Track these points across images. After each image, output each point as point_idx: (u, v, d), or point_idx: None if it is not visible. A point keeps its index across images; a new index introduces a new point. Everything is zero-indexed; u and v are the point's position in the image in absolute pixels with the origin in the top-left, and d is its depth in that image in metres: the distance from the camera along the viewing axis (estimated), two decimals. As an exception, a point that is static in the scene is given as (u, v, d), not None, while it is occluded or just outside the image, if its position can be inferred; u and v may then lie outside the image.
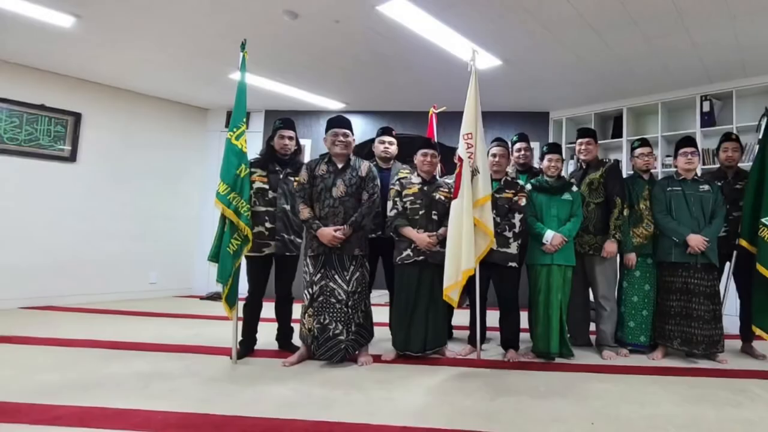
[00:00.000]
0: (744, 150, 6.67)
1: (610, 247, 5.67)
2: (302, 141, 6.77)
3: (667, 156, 8.69)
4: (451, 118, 7.88)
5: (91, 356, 5.36)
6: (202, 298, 9.96)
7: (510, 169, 6.22)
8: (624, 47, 6.77)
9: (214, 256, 5.23)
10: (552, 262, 5.50)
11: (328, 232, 5.02)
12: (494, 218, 5.44)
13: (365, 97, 9.55)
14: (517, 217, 5.56)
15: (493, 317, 5.93)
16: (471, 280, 5.39)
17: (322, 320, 5.09)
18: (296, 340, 5.66)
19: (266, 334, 5.83)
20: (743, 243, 5.69)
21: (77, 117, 8.83)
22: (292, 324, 5.84)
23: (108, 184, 9.23)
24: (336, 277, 5.14)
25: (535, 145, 8.79)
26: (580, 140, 6.07)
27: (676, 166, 5.89)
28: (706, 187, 5.68)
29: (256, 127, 10.51)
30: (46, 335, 6.23)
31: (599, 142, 6.47)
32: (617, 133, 9.46)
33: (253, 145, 7.79)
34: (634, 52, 6.95)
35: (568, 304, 5.62)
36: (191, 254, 10.49)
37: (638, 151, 6.05)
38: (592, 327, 6.23)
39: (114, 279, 9.28)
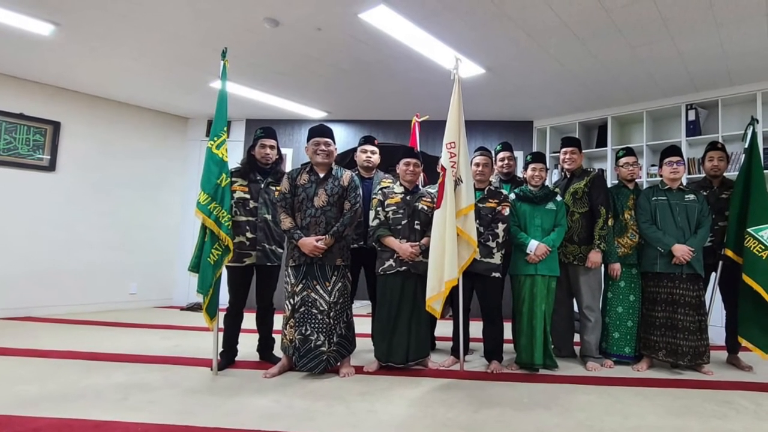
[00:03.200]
0: (730, 159, 6.65)
1: (595, 257, 5.67)
2: (283, 150, 6.72)
3: (652, 165, 8.69)
4: (434, 127, 7.89)
5: (71, 367, 5.31)
6: (182, 308, 9.89)
7: (493, 179, 6.22)
8: (608, 56, 6.76)
9: (195, 267, 5.19)
10: (536, 272, 5.48)
11: (310, 242, 4.99)
12: (477, 228, 5.43)
13: (347, 106, 9.50)
14: (501, 227, 5.52)
15: (476, 328, 5.92)
16: (454, 290, 5.37)
17: (303, 331, 5.05)
18: (277, 351, 5.63)
19: (247, 345, 5.82)
20: (729, 253, 5.70)
21: (56, 126, 8.76)
22: (273, 335, 5.80)
23: (87, 193, 9.16)
24: (318, 287, 5.10)
25: (519, 155, 8.81)
26: (564, 149, 6.07)
27: (661, 176, 5.89)
28: (692, 196, 5.67)
29: (237, 136, 10.45)
30: (25, 346, 6.18)
31: (583, 151, 6.41)
32: (602, 143, 9.44)
33: (234, 155, 7.78)
34: (618, 61, 6.94)
35: (552, 314, 5.62)
36: (171, 264, 10.42)
37: (623, 160, 6.04)
38: (577, 338, 6.20)
39: (93, 289, 9.21)
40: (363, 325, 6.48)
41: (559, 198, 5.75)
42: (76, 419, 3.83)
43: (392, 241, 5.36)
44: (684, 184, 5.91)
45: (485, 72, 7.37)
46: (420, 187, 5.81)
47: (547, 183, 5.90)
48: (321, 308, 5.06)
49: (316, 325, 5.04)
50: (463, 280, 5.41)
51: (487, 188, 5.73)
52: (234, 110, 9.41)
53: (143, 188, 9.98)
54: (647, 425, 3.95)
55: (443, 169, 5.33)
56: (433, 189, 5.70)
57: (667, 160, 5.76)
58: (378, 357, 5.48)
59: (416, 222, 5.47)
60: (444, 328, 6.69)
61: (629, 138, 9.41)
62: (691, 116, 8.31)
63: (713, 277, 5.99)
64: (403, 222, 5.43)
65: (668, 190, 5.73)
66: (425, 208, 5.52)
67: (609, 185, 6.30)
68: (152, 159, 10.15)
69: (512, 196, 5.82)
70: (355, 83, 8.14)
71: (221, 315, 5.35)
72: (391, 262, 5.39)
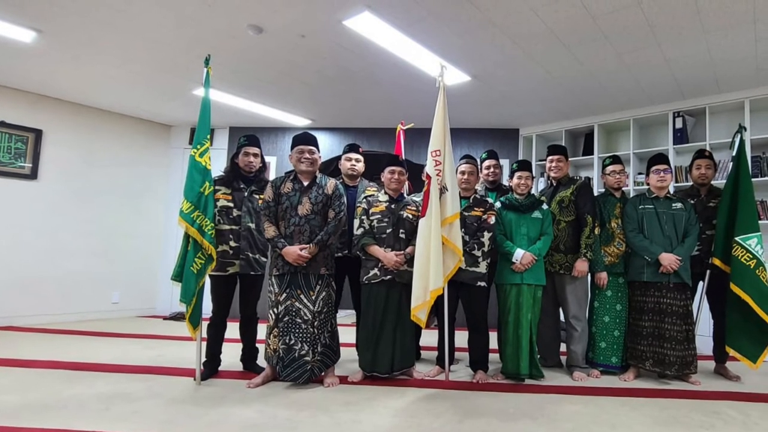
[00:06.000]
0: (717, 167, 6.64)
1: (581, 266, 5.63)
2: (267, 158, 6.70)
3: (639, 173, 8.70)
4: (419, 135, 7.88)
5: (53, 377, 5.30)
6: (165, 318, 9.83)
7: (479, 187, 6.21)
8: (595, 63, 6.75)
9: (178, 276, 5.16)
10: (522, 281, 5.45)
11: (294, 251, 4.96)
12: (463, 237, 5.40)
13: (332, 114, 9.48)
14: (486, 235, 5.49)
15: (461, 337, 5.91)
16: (439, 299, 5.36)
17: (287, 341, 5.01)
18: (261, 361, 5.60)
19: (231, 355, 5.80)
20: (716, 262, 5.68)
21: (38, 134, 8.71)
22: (257, 344, 5.77)
23: (70, 201, 9.11)
24: (302, 296, 5.07)
25: (505, 163, 8.82)
26: (550, 157, 6.05)
27: (648, 184, 5.87)
28: (679, 205, 5.65)
29: (221, 144, 10.42)
30: (6, 356, 6.15)
31: (570, 159, 6.40)
32: (588, 150, 9.42)
33: (218, 163, 7.76)
34: (605, 68, 6.93)
35: (538, 324, 5.59)
36: (154, 273, 10.36)
37: (610, 168, 6.03)
38: (563, 347, 6.18)
39: (76, 299, 9.15)
40: (347, 334, 6.43)
41: (545, 206, 5.72)
42: (59, 430, 3.81)
43: (377, 250, 5.33)
44: (671, 192, 5.93)
45: (471, 79, 7.36)
46: (405, 195, 5.79)
47: (533, 191, 5.89)
48: (305, 317, 5.03)
49: (300, 335, 5.01)
50: (448, 289, 5.38)
51: (472, 196, 5.71)
52: (217, 118, 9.41)
53: (126, 196, 9.93)
54: (634, 436, 3.92)
55: (428, 177, 5.30)
56: (418, 197, 5.70)
57: (654, 168, 5.74)
58: (362, 367, 5.45)
59: (401, 231, 5.45)
60: (429, 338, 6.66)
61: (616, 146, 9.43)
62: (679, 124, 8.31)
63: (701, 286, 5.98)
64: (388, 231, 5.40)
65: (655, 198, 5.71)
66: (410, 216, 5.50)
67: (596, 193, 6.27)
68: (135, 167, 10.10)
69: (498, 204, 5.80)
70: (340, 91, 8.11)
71: (204, 324, 5.32)
72: (375, 271, 5.36)
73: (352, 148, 6.17)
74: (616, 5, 5.29)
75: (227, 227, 5.44)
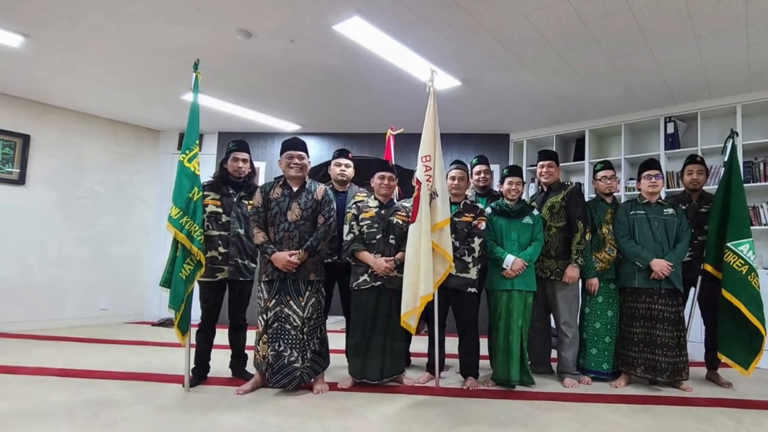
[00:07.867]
0: (709, 173, 6.63)
1: (572, 272, 5.63)
2: (256, 163, 6.67)
3: (631, 179, 8.67)
4: (409, 140, 7.81)
5: (41, 384, 5.27)
6: (154, 324, 9.75)
7: (469, 193, 6.18)
8: (586, 67, 6.73)
9: (166, 282, 5.13)
10: (512, 287, 5.43)
11: (283, 257, 4.94)
12: (453, 242, 5.38)
13: (321, 119, 9.47)
14: (477, 241, 5.47)
15: (452, 344, 5.86)
16: (429, 305, 5.33)
17: (276, 347, 5.00)
18: (250, 367, 5.56)
19: (220, 362, 5.80)
20: (708, 268, 5.68)
21: (26, 139, 8.65)
22: (246, 351, 5.74)
23: (58, 207, 9.05)
24: (291, 302, 5.05)
25: (495, 168, 8.77)
26: (541, 163, 6.03)
27: (639, 190, 5.88)
28: (671, 210, 5.65)
29: (210, 149, 10.39)
30: (-7, 363, 6.10)
31: (561, 164, 6.43)
32: (579, 156, 9.41)
33: (206, 168, 7.67)
34: (596, 73, 6.91)
35: (528, 330, 5.57)
36: (143, 279, 10.30)
37: (601, 173, 6.01)
38: (554, 354, 6.17)
39: (64, 305, 9.07)
40: (337, 341, 6.40)
41: (536, 212, 5.72)
42: (47, 436, 3.79)
43: (367, 256, 5.31)
44: (662, 197, 5.91)
45: (461, 84, 7.33)
46: (395, 201, 5.77)
47: (523, 197, 5.89)
48: (294, 324, 5.01)
49: (290, 341, 4.99)
50: (438, 295, 5.36)
51: (462, 202, 5.69)
52: (206, 123, 9.34)
53: (114, 202, 9.88)
54: (625, 444, 3.90)
55: (418, 182, 5.28)
56: (408, 203, 5.68)
57: (645, 173, 5.75)
58: (352, 373, 5.43)
59: (391, 236, 5.43)
60: (419, 344, 6.64)
61: (607, 151, 9.41)
62: (670, 129, 8.30)
63: (692, 292, 5.97)
64: (378, 236, 5.39)
65: (647, 204, 5.71)
66: (400, 222, 5.48)
67: (587, 199, 6.25)
68: (123, 172, 10.05)
69: (488, 210, 5.79)
70: (329, 95, 8.09)
71: (193, 331, 5.28)
72: (365, 277, 5.34)
73: (341, 153, 6.16)
74: (607, 10, 5.28)
75: (216, 233, 5.42)
